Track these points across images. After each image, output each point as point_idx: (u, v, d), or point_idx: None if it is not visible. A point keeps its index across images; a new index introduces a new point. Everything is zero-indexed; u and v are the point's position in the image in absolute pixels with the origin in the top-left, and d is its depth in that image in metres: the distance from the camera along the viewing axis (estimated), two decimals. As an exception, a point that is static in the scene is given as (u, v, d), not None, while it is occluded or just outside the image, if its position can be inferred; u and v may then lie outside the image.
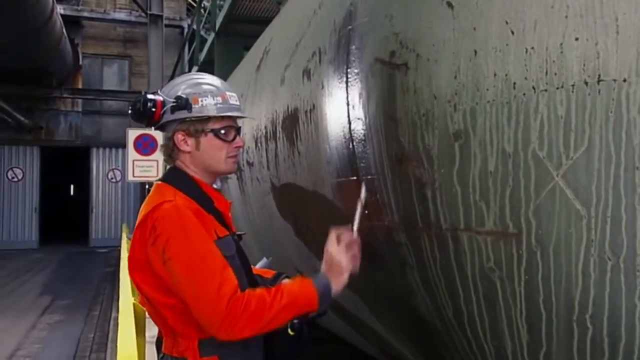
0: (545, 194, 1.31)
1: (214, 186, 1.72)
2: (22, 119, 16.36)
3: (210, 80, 1.66)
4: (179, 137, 1.60)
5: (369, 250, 1.77)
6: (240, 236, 1.72)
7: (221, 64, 7.55)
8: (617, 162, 1.24)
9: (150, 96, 1.60)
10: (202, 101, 1.58)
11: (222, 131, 1.61)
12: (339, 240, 1.59)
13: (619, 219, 1.25)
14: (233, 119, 1.64)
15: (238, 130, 1.66)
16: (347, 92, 1.67)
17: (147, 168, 9.51)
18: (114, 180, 18.42)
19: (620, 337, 1.30)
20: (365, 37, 1.61)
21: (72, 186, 24.71)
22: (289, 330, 1.54)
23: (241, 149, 1.70)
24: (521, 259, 1.36)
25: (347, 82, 1.67)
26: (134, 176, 9.40)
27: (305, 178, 2.12)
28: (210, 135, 1.60)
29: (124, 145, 11.20)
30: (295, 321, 1.53)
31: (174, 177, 1.64)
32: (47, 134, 17.98)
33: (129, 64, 19.11)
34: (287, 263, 2.69)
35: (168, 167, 1.72)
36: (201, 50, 9.43)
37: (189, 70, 11.84)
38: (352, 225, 1.63)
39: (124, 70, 19.17)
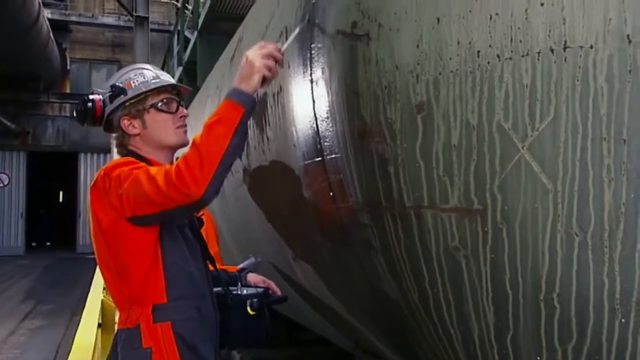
0: (510, 167, 1.25)
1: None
2: (8, 123, 16.20)
3: (140, 65, 1.76)
4: (125, 122, 1.66)
5: (335, 234, 1.71)
6: (200, 220, 1.69)
7: (204, 63, 7.44)
8: (584, 133, 1.19)
9: (88, 96, 1.70)
10: (134, 82, 1.67)
11: (163, 104, 1.66)
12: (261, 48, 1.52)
13: (587, 192, 1.20)
14: (171, 92, 1.70)
15: (180, 102, 1.71)
16: (310, 69, 1.62)
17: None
18: (101, 185, 18.25)
19: (588, 317, 1.24)
20: (328, 9, 1.55)
21: (61, 192, 24.47)
22: (249, 309, 1.54)
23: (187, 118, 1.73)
24: (486, 237, 1.30)
25: (310, 59, 1.62)
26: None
27: (275, 164, 2.06)
28: (152, 110, 1.66)
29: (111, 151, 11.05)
30: (255, 300, 1.53)
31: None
32: (34, 139, 17.82)
33: (118, 68, 18.99)
34: (261, 256, 2.61)
35: None
36: (185, 49, 9.36)
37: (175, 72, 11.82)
38: (282, 44, 1.58)
39: (113, 75, 19.06)
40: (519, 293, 1.29)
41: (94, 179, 1.58)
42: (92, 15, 18.58)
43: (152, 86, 1.66)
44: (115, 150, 1.77)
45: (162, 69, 16.27)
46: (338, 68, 1.48)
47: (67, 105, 18.04)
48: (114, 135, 1.74)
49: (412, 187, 1.37)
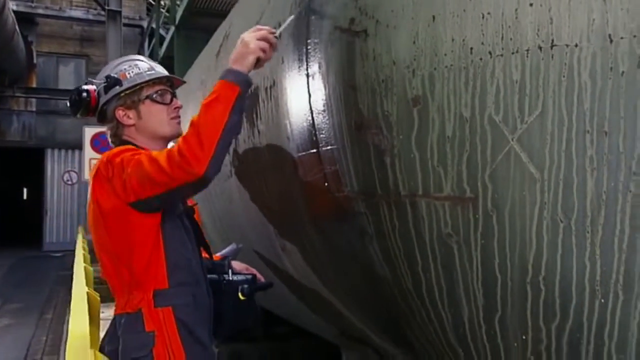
0: (501, 157, 1.33)
1: None
2: (-29, 118, 15.73)
3: (133, 57, 1.79)
4: (120, 113, 1.70)
5: (329, 223, 1.77)
6: (191, 208, 1.74)
7: (181, 58, 7.43)
8: (569, 126, 1.28)
9: (83, 87, 1.72)
10: (129, 74, 1.70)
11: (158, 95, 1.71)
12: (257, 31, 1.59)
13: (571, 181, 1.28)
14: (166, 84, 1.74)
15: (173, 94, 1.76)
16: (306, 64, 1.67)
17: (104, 166, 9.25)
18: (69, 182, 17.85)
19: (570, 298, 1.33)
20: (325, 6, 1.61)
21: (25, 189, 23.84)
22: (240, 295, 1.61)
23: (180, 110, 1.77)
24: (477, 224, 1.38)
25: (306, 54, 1.67)
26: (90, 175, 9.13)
27: (266, 157, 2.10)
28: (148, 101, 1.70)
29: (80, 147, 10.83)
30: (246, 286, 1.60)
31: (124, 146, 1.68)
32: (-2, 134, 17.33)
33: (87, 63, 18.62)
34: (246, 246, 2.65)
35: None
36: (161, 45, 9.29)
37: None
38: (277, 29, 1.64)
39: (81, 69, 18.62)
40: (507, 276, 1.38)
41: (95, 167, 1.60)
42: (60, 8, 18.12)
43: (147, 78, 1.70)
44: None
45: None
46: (336, 63, 1.54)
47: (34, 100, 17.58)
48: (108, 125, 1.77)
49: (407, 177, 1.44)
